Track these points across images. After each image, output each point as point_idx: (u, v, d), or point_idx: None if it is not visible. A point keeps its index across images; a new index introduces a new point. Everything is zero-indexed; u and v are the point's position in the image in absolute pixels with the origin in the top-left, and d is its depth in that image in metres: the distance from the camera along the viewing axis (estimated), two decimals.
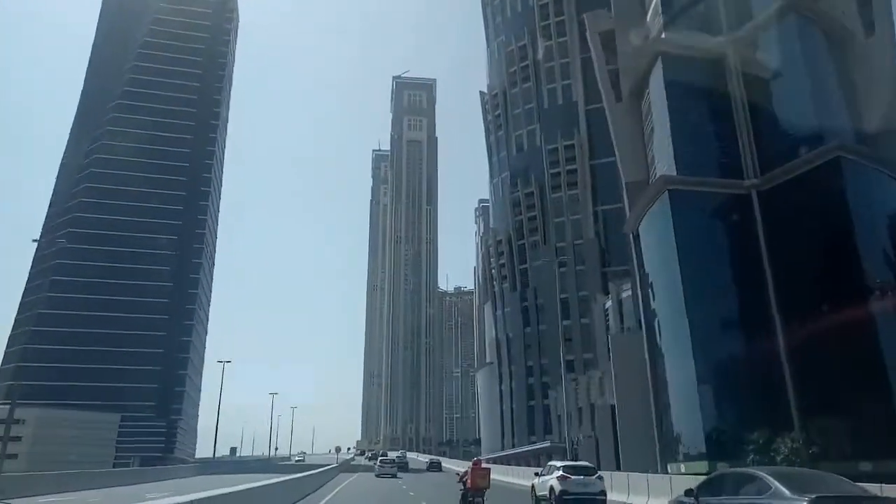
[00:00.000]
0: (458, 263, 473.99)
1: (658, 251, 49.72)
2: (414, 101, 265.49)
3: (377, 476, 47.52)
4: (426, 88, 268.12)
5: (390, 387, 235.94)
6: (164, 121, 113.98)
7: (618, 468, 50.15)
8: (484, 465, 20.54)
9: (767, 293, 42.90)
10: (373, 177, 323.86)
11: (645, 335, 51.48)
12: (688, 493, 10.15)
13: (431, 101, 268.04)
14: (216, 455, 77.02)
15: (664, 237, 47.53)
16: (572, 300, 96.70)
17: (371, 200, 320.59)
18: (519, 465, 62.35)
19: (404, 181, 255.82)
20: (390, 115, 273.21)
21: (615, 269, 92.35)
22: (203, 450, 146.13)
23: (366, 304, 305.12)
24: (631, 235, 57.44)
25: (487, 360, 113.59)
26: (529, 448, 70.92)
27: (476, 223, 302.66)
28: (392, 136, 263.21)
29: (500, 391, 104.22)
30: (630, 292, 68.57)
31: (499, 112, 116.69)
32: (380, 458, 58.70)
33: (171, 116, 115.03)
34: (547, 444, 64.78)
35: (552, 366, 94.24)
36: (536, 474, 22.49)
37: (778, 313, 42.05)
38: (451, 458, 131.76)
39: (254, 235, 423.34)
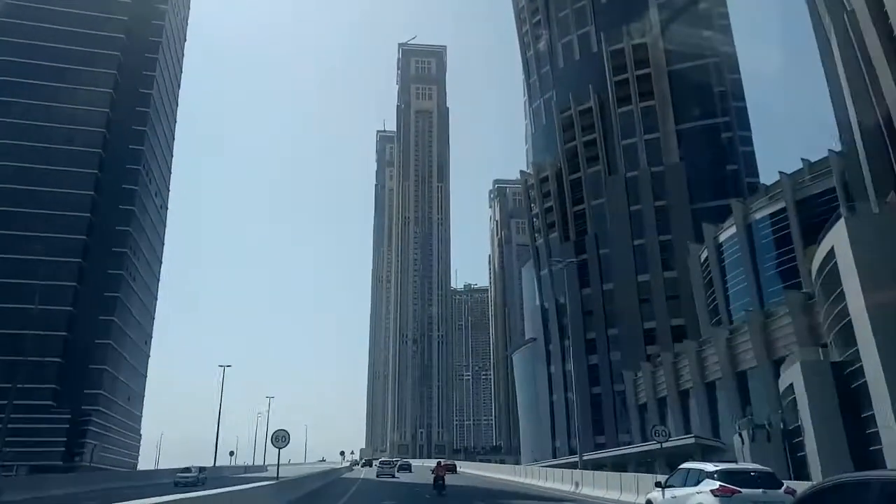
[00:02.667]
0: (467, 259, 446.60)
1: None
2: (422, 69, 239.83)
3: (377, 476, 47.49)
4: (436, 55, 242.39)
5: (398, 387, 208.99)
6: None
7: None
8: (445, 462, 36.18)
9: None
10: (377, 160, 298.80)
11: None
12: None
13: (442, 69, 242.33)
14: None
15: None
16: (650, 248, 69.57)
17: (376, 185, 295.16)
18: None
19: (412, 156, 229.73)
20: (396, 87, 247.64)
21: (712, 205, 65.96)
22: (172, 460, 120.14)
23: (370, 298, 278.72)
24: None
25: (526, 337, 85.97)
26: (644, 448, 44.56)
27: (491, 206, 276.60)
28: (398, 107, 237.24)
29: (549, 375, 77.05)
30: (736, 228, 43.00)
31: (538, 18, 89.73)
32: (380, 461, 59.84)
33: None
34: (691, 440, 37.80)
35: (626, 338, 67.24)
36: (658, 484, 13.40)
37: None
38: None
39: (249, 231, 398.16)
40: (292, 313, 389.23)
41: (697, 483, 11.75)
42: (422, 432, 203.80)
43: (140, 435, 79.18)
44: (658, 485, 13.21)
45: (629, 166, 73.44)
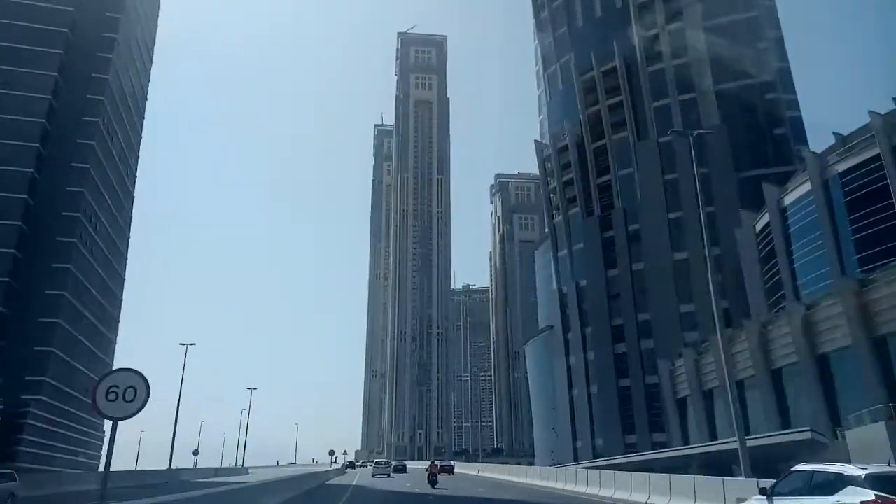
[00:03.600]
0: (466, 260, 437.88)
1: None
2: (422, 58, 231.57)
3: (373, 476, 47.73)
4: (436, 44, 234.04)
5: (395, 387, 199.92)
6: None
7: None
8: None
9: None
10: (375, 155, 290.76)
11: None
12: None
13: (442, 59, 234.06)
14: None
15: None
16: (688, 221, 60.98)
17: (373, 180, 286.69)
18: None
19: (412, 147, 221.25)
20: (395, 79, 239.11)
21: (760, 173, 57.81)
22: (150, 461, 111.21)
23: (368, 296, 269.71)
24: None
25: (541, 326, 77.50)
26: (717, 447, 35.79)
27: (492, 202, 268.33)
28: (397, 97, 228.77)
29: (568, 367, 68.36)
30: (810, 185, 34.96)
31: None
32: (375, 461, 59.35)
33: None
34: (806, 434, 29.00)
35: (660, 324, 58.60)
36: (763, 491, 10.15)
37: None
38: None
39: (241, 223, 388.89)
40: (287, 312, 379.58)
41: (834, 492, 8.81)
42: (420, 433, 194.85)
43: (103, 432, 69.05)
44: (763, 492, 10.10)
45: (662, 128, 64.96)
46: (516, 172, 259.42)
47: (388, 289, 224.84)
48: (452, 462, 61.15)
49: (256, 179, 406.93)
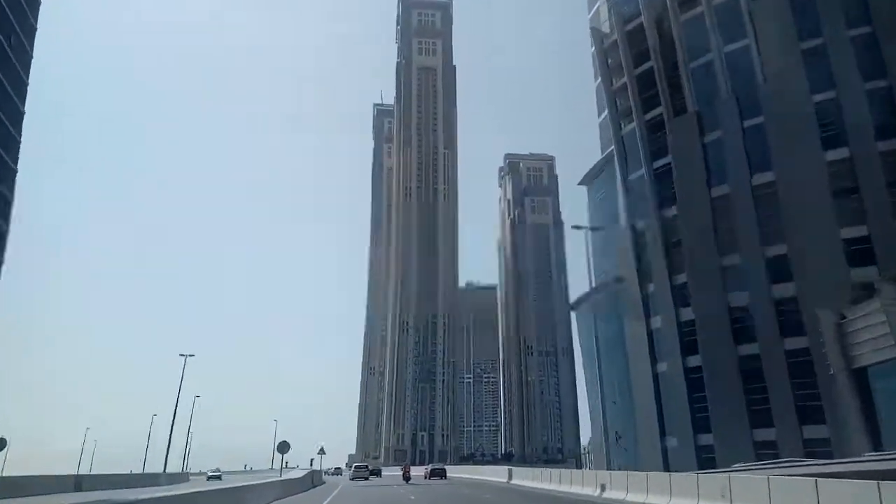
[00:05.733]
0: (467, 256, 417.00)
1: None
2: (426, 22, 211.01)
3: (351, 479, 49.84)
4: (441, 8, 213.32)
5: (396, 384, 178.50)
6: None
7: None
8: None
9: None
10: (374, 136, 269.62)
11: None
12: None
13: (448, 23, 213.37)
14: None
15: None
16: (846, 106, 39.30)
17: (373, 164, 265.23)
18: None
19: (414, 119, 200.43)
20: (396, 46, 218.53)
21: None
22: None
23: (366, 288, 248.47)
24: None
25: (594, 283, 55.98)
26: None
27: (501, 185, 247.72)
28: (398, 63, 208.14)
29: (650, 334, 47.06)
30: None
31: None
32: (354, 465, 58.58)
33: None
34: None
35: (807, 259, 37.30)
36: None
37: None
38: None
39: (227, 210, 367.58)
40: (282, 309, 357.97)
41: None
42: (423, 436, 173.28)
43: None
44: None
45: None
46: (527, 153, 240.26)
47: (389, 276, 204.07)
48: (444, 465, 58.77)
49: (244, 165, 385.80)
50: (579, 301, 58.45)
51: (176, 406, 41.63)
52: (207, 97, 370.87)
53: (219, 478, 50.42)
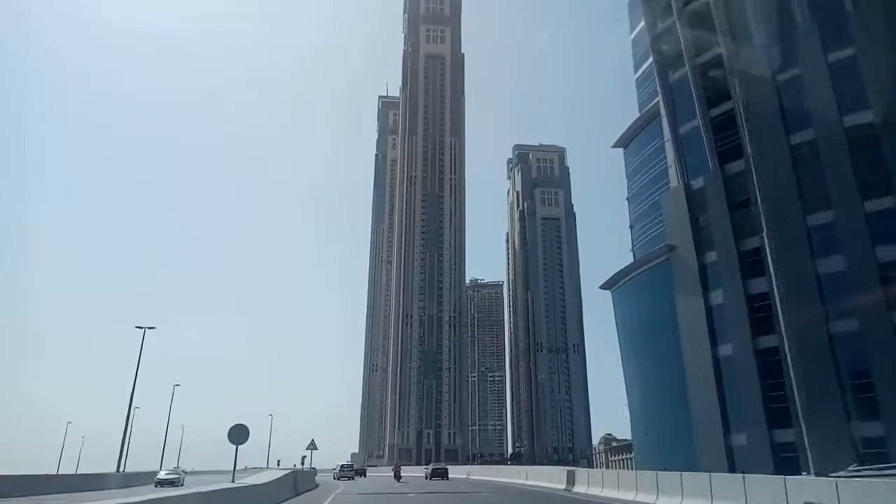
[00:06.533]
0: (471, 252, 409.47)
1: None
2: (434, 9, 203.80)
3: (336, 479, 49.72)
4: None
5: (399, 380, 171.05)
6: None
7: None
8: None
9: None
10: (379, 128, 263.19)
11: None
12: None
13: (456, 9, 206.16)
14: None
15: None
16: None
17: (376, 155, 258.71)
18: None
19: (421, 107, 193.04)
20: (402, 34, 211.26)
21: None
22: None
23: (368, 282, 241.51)
24: None
25: (635, 256, 48.10)
26: None
27: (510, 177, 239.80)
28: (405, 51, 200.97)
29: (709, 311, 39.24)
30: None
31: None
32: (340, 465, 57.50)
33: None
34: None
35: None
36: None
37: None
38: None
39: (220, 205, 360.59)
40: (279, 305, 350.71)
41: None
42: (429, 433, 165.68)
43: None
44: None
45: None
46: (537, 143, 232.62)
47: (392, 268, 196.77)
48: (446, 465, 54.67)
49: (242, 158, 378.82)
50: (616, 278, 50.95)
51: (133, 388, 34.02)
52: (207, 95, 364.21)
53: (174, 483, 36.94)
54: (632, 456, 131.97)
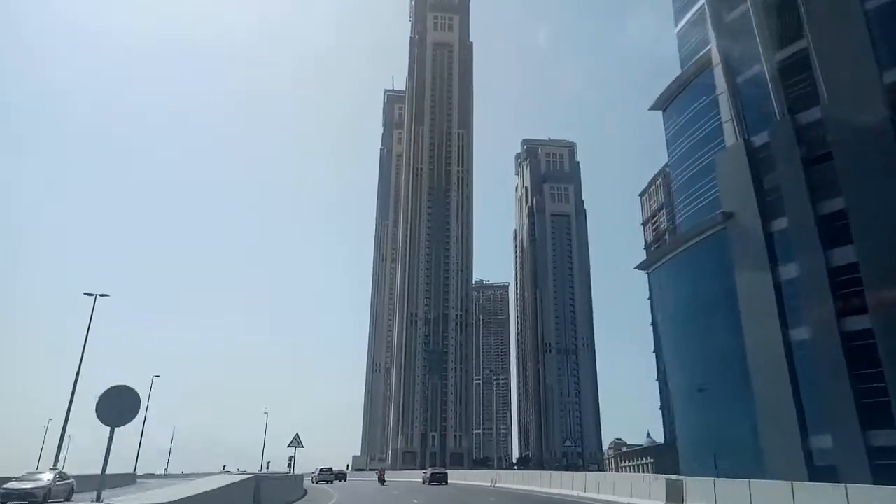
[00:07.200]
0: (480, 248, 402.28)
1: None
2: None
3: (316, 483, 48.74)
4: None
5: (403, 381, 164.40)
6: None
7: None
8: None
9: None
10: (384, 122, 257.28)
11: None
12: None
13: None
14: None
15: None
16: None
17: (381, 149, 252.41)
18: None
19: (428, 97, 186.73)
20: (409, 21, 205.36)
21: None
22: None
23: (371, 282, 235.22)
24: None
25: (668, 238, 41.31)
26: None
27: (518, 172, 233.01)
28: (412, 39, 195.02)
29: (778, 288, 32.02)
30: None
31: None
32: (319, 469, 56.77)
33: None
34: None
35: None
36: None
37: None
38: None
39: (224, 205, 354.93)
40: (278, 305, 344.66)
41: None
42: (434, 436, 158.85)
43: None
44: None
45: None
46: (545, 138, 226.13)
47: (397, 265, 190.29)
48: (446, 470, 55.31)
49: (243, 157, 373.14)
50: (653, 259, 44.36)
51: (78, 370, 27.43)
52: (206, 93, 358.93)
53: (30, 496, 22.34)
54: (650, 461, 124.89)
